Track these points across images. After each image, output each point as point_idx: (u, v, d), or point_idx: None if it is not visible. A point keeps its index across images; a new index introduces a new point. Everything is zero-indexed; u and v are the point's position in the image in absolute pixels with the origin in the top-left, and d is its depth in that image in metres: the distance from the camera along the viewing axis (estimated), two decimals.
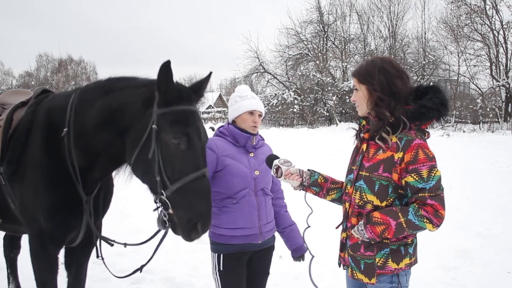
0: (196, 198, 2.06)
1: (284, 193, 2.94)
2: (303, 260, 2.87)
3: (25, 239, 3.30)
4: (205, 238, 2.53)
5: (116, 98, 2.31)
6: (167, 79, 2.11)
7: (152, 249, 2.52)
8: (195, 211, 2.05)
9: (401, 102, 2.04)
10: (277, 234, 2.86)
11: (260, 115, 2.73)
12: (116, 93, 2.33)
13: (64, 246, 2.77)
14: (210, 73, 2.36)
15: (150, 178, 2.15)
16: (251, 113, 2.69)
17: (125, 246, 2.61)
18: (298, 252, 2.85)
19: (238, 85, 3.10)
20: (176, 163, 2.09)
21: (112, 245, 2.68)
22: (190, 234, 2.08)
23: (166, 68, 2.08)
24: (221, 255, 2.60)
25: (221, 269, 2.59)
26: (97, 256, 2.70)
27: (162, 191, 2.08)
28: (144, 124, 2.16)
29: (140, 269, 2.55)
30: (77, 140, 2.43)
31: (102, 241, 2.71)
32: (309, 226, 2.46)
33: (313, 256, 2.47)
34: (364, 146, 2.14)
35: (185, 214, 2.06)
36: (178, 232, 2.14)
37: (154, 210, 2.21)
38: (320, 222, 3.30)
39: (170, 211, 2.09)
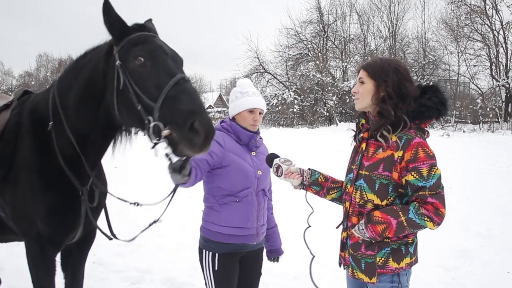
0: (182, 101, 1.86)
1: (283, 192, 2.94)
2: (277, 261, 2.96)
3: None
4: None
5: (86, 70, 2.29)
6: (110, 13, 2.07)
7: (154, 251, 2.52)
8: (186, 112, 1.82)
9: (406, 104, 2.05)
10: None
11: (261, 113, 2.65)
12: (86, 66, 2.32)
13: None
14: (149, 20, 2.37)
15: (135, 114, 1.98)
16: (251, 111, 2.60)
17: (137, 205, 2.57)
18: (275, 253, 2.92)
19: (240, 78, 3.04)
20: (150, 82, 1.96)
21: (111, 239, 2.64)
22: (193, 141, 1.80)
23: (106, 4, 2.04)
24: (216, 254, 2.52)
25: (216, 268, 2.51)
26: (110, 238, 2.67)
27: (149, 118, 1.90)
28: (112, 70, 2.11)
29: (156, 220, 2.49)
30: (61, 127, 2.38)
31: (109, 223, 2.69)
32: (309, 226, 2.45)
33: (313, 256, 2.44)
34: (364, 145, 2.14)
35: (178, 119, 1.82)
36: (182, 149, 1.85)
37: (153, 147, 1.92)
38: (319, 221, 3.29)
39: (166, 132, 1.83)
